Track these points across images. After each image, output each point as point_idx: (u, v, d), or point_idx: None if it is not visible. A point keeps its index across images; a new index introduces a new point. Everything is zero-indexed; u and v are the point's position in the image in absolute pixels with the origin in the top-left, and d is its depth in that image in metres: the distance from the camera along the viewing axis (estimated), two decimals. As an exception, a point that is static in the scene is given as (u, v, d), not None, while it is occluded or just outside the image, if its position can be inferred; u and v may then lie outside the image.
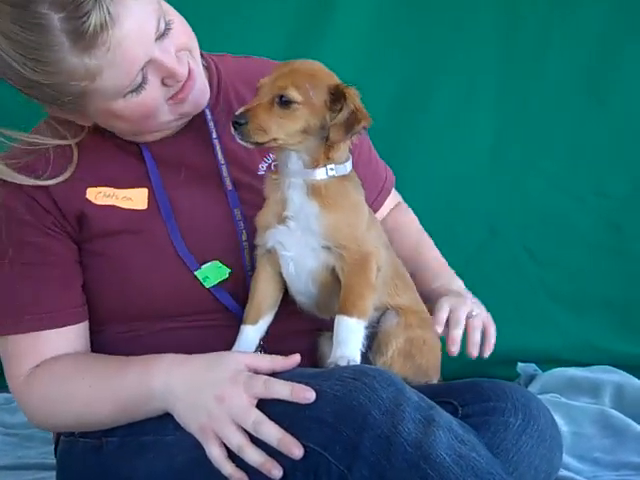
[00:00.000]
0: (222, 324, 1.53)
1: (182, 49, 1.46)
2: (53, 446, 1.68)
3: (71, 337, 1.52)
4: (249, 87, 1.54)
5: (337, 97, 1.38)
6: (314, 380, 1.28)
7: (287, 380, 1.29)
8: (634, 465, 1.97)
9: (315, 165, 1.43)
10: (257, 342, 1.50)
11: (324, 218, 1.42)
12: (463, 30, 2.56)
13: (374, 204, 1.78)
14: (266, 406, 1.28)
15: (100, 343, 1.56)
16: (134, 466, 1.43)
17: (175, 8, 1.49)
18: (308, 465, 1.24)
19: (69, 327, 1.52)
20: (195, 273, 1.51)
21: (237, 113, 1.37)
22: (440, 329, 1.54)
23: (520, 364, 2.50)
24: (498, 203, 2.61)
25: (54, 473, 1.63)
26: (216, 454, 1.30)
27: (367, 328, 1.45)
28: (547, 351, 2.54)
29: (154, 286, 1.51)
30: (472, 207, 2.57)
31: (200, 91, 1.51)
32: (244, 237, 1.54)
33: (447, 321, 1.55)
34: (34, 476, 1.95)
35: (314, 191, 1.43)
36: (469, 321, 1.57)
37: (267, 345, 1.52)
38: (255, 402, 1.29)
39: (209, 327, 1.54)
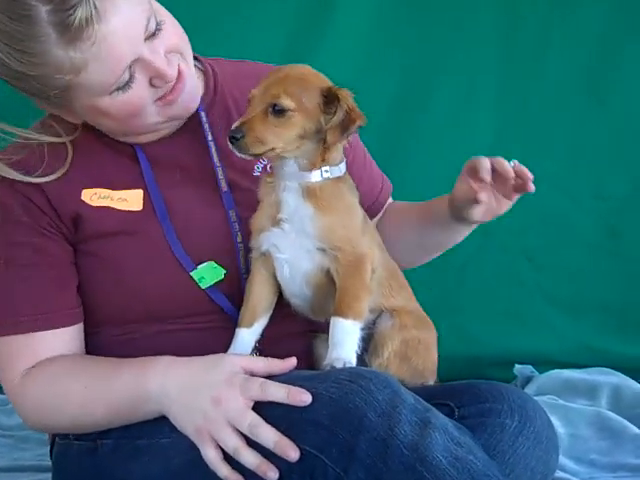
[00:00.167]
0: (217, 326, 1.53)
1: (172, 50, 1.46)
2: (48, 448, 1.67)
3: (66, 338, 1.52)
4: (244, 90, 1.54)
5: (330, 99, 1.38)
6: (310, 382, 1.27)
7: (283, 383, 1.28)
8: (630, 467, 1.97)
9: (311, 168, 1.43)
10: (252, 345, 1.49)
11: (319, 220, 1.42)
12: (463, 30, 2.55)
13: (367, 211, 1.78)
14: (262, 409, 1.28)
15: (95, 345, 1.56)
16: (129, 469, 1.43)
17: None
18: (304, 467, 1.23)
19: (64, 328, 1.51)
20: (191, 274, 1.51)
21: (233, 128, 1.37)
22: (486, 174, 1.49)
23: (517, 366, 2.50)
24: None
25: (50, 475, 1.63)
26: (212, 456, 1.30)
27: (363, 330, 1.44)
28: (544, 353, 2.54)
29: (149, 288, 1.51)
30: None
31: (190, 94, 1.51)
32: (239, 239, 1.54)
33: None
34: (30, 478, 1.94)
35: (309, 193, 1.43)
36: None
37: (263, 348, 1.52)
38: (251, 405, 1.29)
39: (204, 329, 1.54)
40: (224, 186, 1.56)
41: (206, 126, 1.57)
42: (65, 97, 1.42)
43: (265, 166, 1.60)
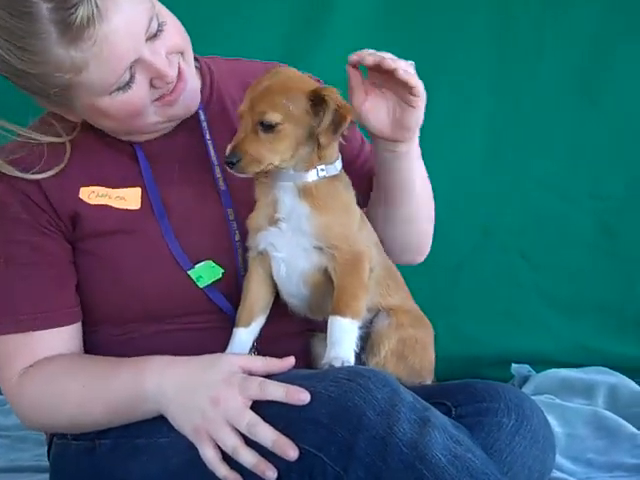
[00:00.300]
0: (215, 326, 1.53)
1: (174, 51, 1.46)
2: (46, 448, 1.67)
3: (65, 337, 1.52)
4: (241, 87, 1.54)
5: (317, 101, 1.37)
6: (308, 381, 1.27)
7: (281, 382, 1.28)
8: (627, 466, 1.97)
9: (307, 168, 1.43)
10: (250, 344, 1.49)
11: (315, 219, 1.42)
12: (456, 31, 2.56)
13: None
14: (261, 408, 1.28)
15: (93, 344, 1.56)
16: (128, 468, 1.43)
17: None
18: (303, 466, 1.23)
19: (63, 328, 1.51)
20: (189, 272, 1.51)
21: (227, 152, 1.37)
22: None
23: (514, 365, 2.50)
24: (492, 205, 2.61)
25: (47, 476, 1.63)
26: (210, 456, 1.30)
27: (360, 329, 1.44)
28: (541, 352, 2.54)
29: (147, 286, 1.50)
30: (466, 209, 2.58)
31: (191, 94, 1.51)
32: (237, 237, 1.54)
33: None
34: (27, 479, 1.94)
35: (305, 192, 1.43)
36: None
37: (260, 347, 1.52)
38: (249, 404, 1.29)
39: (202, 329, 1.53)
40: (222, 184, 1.56)
41: (204, 124, 1.57)
42: (65, 96, 1.42)
43: None
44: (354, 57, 1.46)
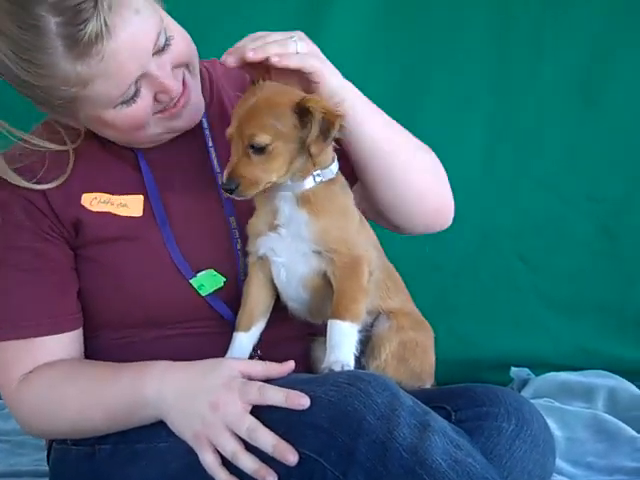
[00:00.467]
0: (216, 331, 1.53)
1: (180, 65, 1.45)
2: (45, 453, 1.66)
3: (66, 343, 1.51)
4: (239, 89, 1.53)
5: (303, 113, 1.36)
6: (308, 386, 1.27)
7: (281, 386, 1.28)
8: (627, 470, 1.97)
9: (303, 176, 1.42)
10: (250, 349, 1.49)
11: (313, 224, 1.42)
12: (455, 31, 2.56)
13: None
14: (261, 413, 1.28)
15: (94, 349, 1.55)
16: (127, 474, 1.42)
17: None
18: (303, 471, 1.23)
19: (64, 334, 1.51)
20: (190, 281, 1.51)
21: (225, 180, 1.37)
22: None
23: (513, 368, 2.50)
24: (490, 207, 2.61)
25: (47, 480, 1.63)
26: (210, 461, 1.30)
27: (360, 332, 1.44)
28: (540, 355, 2.54)
29: (148, 294, 1.50)
30: (464, 211, 2.56)
31: (194, 107, 1.50)
32: (239, 245, 1.54)
33: None
34: (26, 484, 1.94)
35: (303, 200, 1.43)
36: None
37: (261, 351, 1.51)
38: (249, 409, 1.29)
39: (203, 334, 1.53)
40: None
41: (207, 132, 1.57)
42: (69, 107, 1.41)
43: None
44: (230, 59, 1.41)
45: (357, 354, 1.42)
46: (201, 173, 1.56)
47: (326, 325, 1.43)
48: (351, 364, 1.39)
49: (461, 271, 2.60)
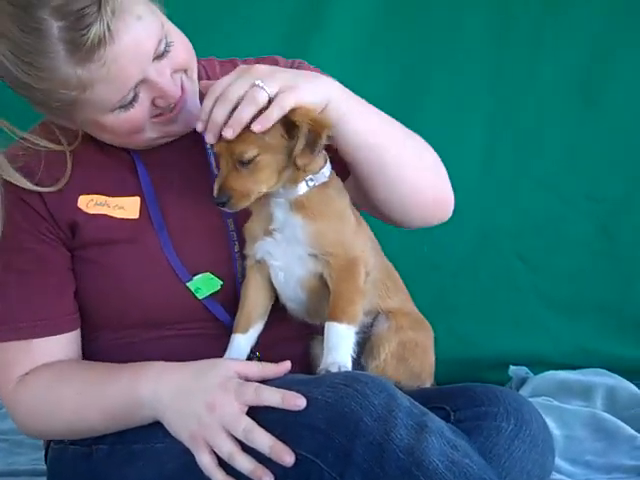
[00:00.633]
0: (214, 332, 1.52)
1: (179, 70, 1.45)
2: (43, 452, 1.67)
3: (63, 344, 1.51)
4: None
5: (290, 124, 1.36)
6: (305, 387, 1.27)
7: (278, 387, 1.28)
8: (626, 468, 1.97)
9: (296, 182, 1.42)
10: (248, 350, 1.49)
11: (309, 228, 1.42)
12: (455, 31, 2.56)
13: None
14: (257, 413, 1.27)
15: (93, 350, 1.56)
16: (124, 474, 1.42)
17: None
18: (300, 472, 1.23)
19: (62, 335, 1.51)
20: (187, 284, 1.50)
21: (216, 194, 1.37)
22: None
23: (512, 367, 2.49)
24: (490, 206, 2.61)
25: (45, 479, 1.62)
26: (206, 462, 1.30)
27: (358, 333, 1.44)
28: (539, 354, 2.54)
29: (146, 295, 1.50)
30: (464, 210, 2.57)
31: (190, 111, 1.49)
32: (237, 248, 1.53)
33: None
34: (24, 483, 1.94)
35: (297, 205, 1.42)
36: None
37: (260, 352, 1.51)
38: (245, 409, 1.28)
39: (201, 335, 1.53)
40: None
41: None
42: (67, 110, 1.41)
43: None
44: (209, 137, 1.37)
45: (355, 355, 1.42)
46: (199, 175, 1.56)
47: (324, 326, 1.43)
48: (348, 366, 1.39)
49: (460, 270, 2.60)
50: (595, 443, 2.09)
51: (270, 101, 1.35)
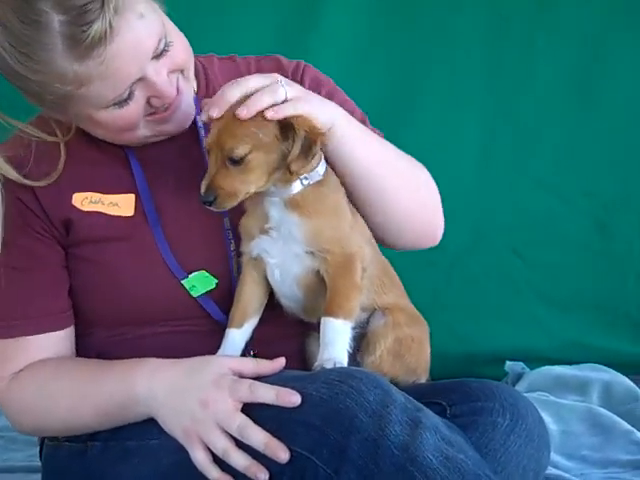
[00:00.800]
0: (208, 329, 1.52)
1: (176, 70, 1.44)
2: (38, 449, 1.66)
3: (57, 342, 1.51)
4: None
5: (286, 127, 1.35)
6: (300, 383, 1.27)
7: (272, 384, 1.28)
8: (622, 463, 1.97)
9: (290, 181, 1.41)
10: (242, 345, 1.48)
11: (304, 226, 1.41)
12: (450, 31, 2.57)
13: None
14: (252, 410, 1.27)
15: (87, 347, 1.55)
16: (119, 471, 1.42)
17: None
18: (295, 469, 1.23)
19: (55, 332, 1.51)
20: (182, 282, 1.50)
21: (202, 192, 1.35)
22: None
23: (508, 362, 2.50)
24: (486, 203, 2.61)
25: (40, 476, 1.62)
26: (201, 459, 1.29)
27: (355, 329, 1.44)
28: (535, 349, 2.55)
29: (140, 293, 1.50)
30: (460, 208, 2.58)
31: (184, 112, 1.49)
32: (232, 246, 1.53)
33: None
34: (20, 479, 1.93)
35: (291, 203, 1.42)
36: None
37: (256, 349, 1.51)
38: (240, 406, 1.28)
39: (195, 332, 1.53)
40: None
41: (201, 131, 1.55)
42: (61, 104, 1.40)
43: None
44: (215, 111, 1.34)
45: (351, 351, 1.42)
46: (195, 171, 1.54)
47: (320, 322, 1.42)
48: (344, 362, 1.38)
49: (456, 266, 2.61)
50: (591, 438, 2.10)
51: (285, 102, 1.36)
